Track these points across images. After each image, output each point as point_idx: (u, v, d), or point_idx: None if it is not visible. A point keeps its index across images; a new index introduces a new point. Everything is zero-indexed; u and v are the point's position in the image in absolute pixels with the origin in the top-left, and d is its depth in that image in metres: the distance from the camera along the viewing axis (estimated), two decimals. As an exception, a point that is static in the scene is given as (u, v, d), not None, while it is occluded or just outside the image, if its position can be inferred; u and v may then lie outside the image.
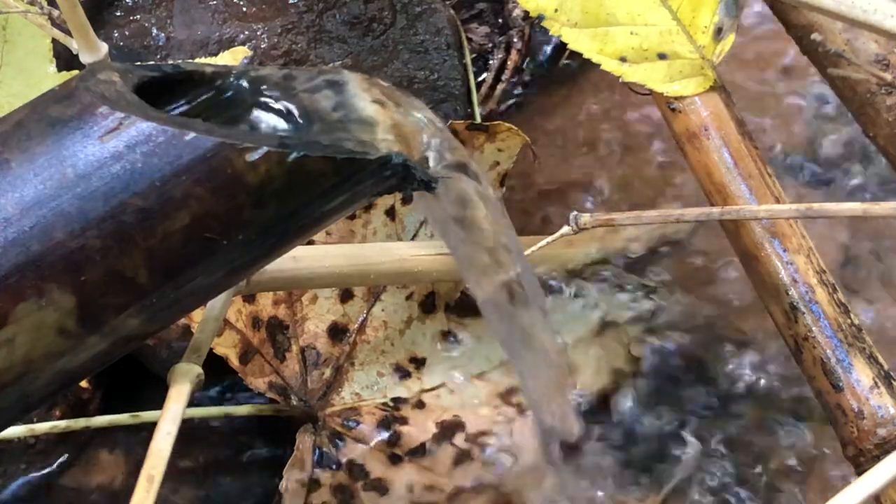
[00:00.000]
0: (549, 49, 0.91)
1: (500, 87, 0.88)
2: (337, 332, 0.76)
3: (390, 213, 0.75)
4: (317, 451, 0.73)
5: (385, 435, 0.74)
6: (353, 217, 0.75)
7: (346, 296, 0.76)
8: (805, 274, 0.63)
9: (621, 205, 0.83)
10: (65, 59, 0.71)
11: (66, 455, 0.77)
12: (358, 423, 0.74)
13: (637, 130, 0.86)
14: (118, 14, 0.79)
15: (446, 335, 0.77)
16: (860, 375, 0.61)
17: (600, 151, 0.86)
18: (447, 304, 0.77)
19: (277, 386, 0.74)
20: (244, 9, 0.79)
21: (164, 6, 0.79)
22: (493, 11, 0.90)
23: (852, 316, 0.63)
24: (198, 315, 0.65)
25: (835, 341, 0.62)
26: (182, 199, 0.44)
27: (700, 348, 0.77)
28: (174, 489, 0.75)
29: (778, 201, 0.66)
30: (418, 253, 0.69)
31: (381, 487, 0.72)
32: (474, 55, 0.88)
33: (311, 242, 0.71)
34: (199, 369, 0.56)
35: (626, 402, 0.75)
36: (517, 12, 0.89)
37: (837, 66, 0.67)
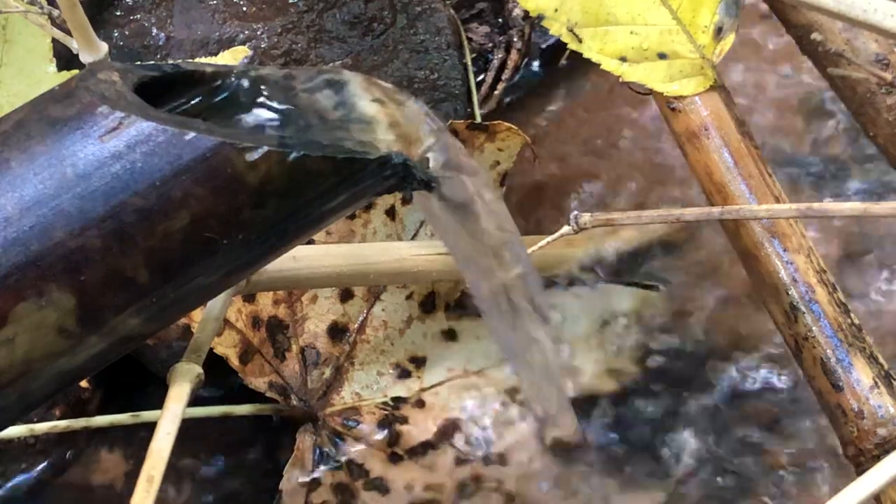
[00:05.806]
0: (548, 49, 0.91)
1: (500, 86, 0.88)
2: (337, 331, 0.76)
3: (390, 213, 0.75)
4: (317, 450, 0.73)
5: (385, 434, 0.74)
6: (353, 217, 0.75)
7: (346, 295, 0.76)
8: (805, 274, 0.63)
9: (621, 204, 0.83)
10: (65, 59, 0.71)
11: (66, 455, 0.77)
12: (358, 422, 0.74)
13: (637, 130, 0.86)
14: (118, 14, 0.79)
15: (446, 335, 0.77)
16: (860, 375, 0.61)
17: (600, 151, 0.86)
18: (447, 304, 0.77)
19: (277, 386, 0.74)
20: (244, 9, 0.79)
21: (164, 6, 0.79)
22: (493, 11, 0.90)
23: (852, 316, 0.63)
24: (198, 315, 0.65)
25: (835, 341, 0.62)
26: (182, 199, 0.44)
27: (700, 347, 0.77)
28: (174, 489, 0.75)
29: (778, 201, 0.66)
30: (418, 253, 0.69)
31: (381, 487, 0.72)
32: (474, 55, 0.88)
33: (311, 242, 0.71)
34: (199, 369, 0.56)
35: (625, 402, 0.75)
36: (517, 12, 0.89)
37: (837, 66, 0.67)
